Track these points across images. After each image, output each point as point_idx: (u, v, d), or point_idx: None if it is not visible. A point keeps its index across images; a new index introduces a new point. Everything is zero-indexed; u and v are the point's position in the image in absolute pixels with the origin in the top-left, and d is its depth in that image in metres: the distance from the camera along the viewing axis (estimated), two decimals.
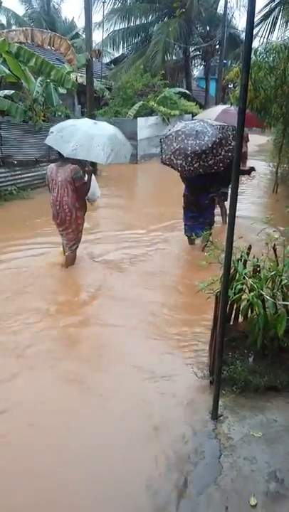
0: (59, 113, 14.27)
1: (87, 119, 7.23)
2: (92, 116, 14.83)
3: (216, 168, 6.56)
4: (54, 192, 6.09)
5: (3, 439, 3.39)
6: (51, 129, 6.10)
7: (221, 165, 6.55)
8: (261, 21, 13.33)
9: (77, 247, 6.59)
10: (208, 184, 6.96)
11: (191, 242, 7.55)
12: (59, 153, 5.93)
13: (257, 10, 10.20)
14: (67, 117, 14.34)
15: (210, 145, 6.42)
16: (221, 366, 3.43)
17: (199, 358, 4.32)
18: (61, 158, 5.95)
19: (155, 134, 18.50)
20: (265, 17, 13.35)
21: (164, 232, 8.52)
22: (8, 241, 7.85)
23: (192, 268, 6.49)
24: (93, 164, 8.14)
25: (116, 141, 5.98)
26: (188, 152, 6.45)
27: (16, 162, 11.72)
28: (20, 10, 29.24)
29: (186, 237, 7.56)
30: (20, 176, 11.85)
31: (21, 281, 6.22)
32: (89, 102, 15.09)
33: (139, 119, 17.92)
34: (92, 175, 6.32)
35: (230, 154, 6.48)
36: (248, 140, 12.72)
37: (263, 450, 3.22)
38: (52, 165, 6.20)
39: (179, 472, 3.07)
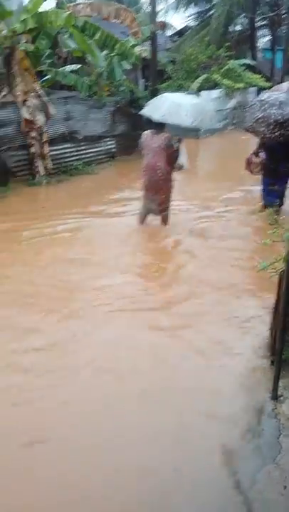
0: (123, 87, 14.28)
1: (176, 93, 8.36)
2: (155, 90, 14.80)
3: None
4: (148, 157, 6.82)
5: None
6: (146, 103, 7.48)
7: None
8: None
9: (168, 207, 7.21)
10: (287, 153, 7.35)
11: (263, 208, 7.85)
12: (155, 124, 6.79)
13: None
14: (131, 92, 14.37)
15: None
16: (282, 347, 3.47)
17: (260, 338, 4.39)
18: (156, 128, 6.77)
19: (218, 108, 18.17)
20: None
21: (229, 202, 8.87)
22: (81, 208, 8.46)
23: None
24: None
25: (200, 109, 7.06)
26: (271, 120, 6.94)
27: (81, 137, 11.94)
28: None
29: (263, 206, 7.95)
30: (85, 151, 12.09)
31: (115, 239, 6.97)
32: (152, 76, 15.02)
33: (202, 92, 17.63)
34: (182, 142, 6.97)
35: None
36: None
37: None
38: (147, 132, 6.92)
39: (237, 449, 3.16)
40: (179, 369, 4.08)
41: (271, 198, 7.68)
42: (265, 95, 7.60)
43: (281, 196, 7.84)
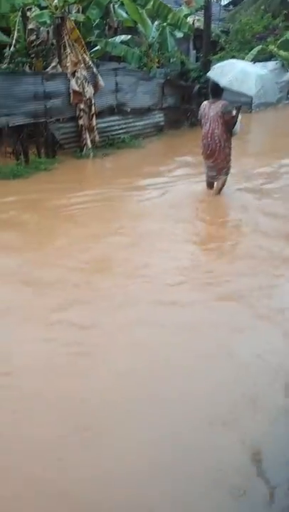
0: (173, 59, 13.93)
1: (246, 61, 8.65)
2: (208, 62, 14.37)
3: None
4: (206, 126, 6.93)
5: None
6: (213, 66, 7.76)
7: None
8: None
9: (228, 173, 7.26)
10: None
11: None
12: (212, 92, 6.90)
13: None
14: (182, 63, 14.01)
15: None
16: None
17: None
18: (214, 97, 6.84)
19: (274, 81, 17.46)
20: None
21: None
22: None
23: None
24: None
25: (266, 81, 7.35)
26: None
27: (129, 110, 11.77)
28: None
29: None
30: (132, 124, 11.93)
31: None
32: (205, 47, 14.59)
33: (256, 64, 16.97)
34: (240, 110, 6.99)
35: None
36: None
37: None
38: (205, 102, 7.05)
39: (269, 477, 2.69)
40: None
41: None
42: None
43: None
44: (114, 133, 11.37)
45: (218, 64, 7.60)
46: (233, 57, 17.74)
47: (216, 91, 6.85)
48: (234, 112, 6.84)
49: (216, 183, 7.31)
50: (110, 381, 3.34)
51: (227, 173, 7.26)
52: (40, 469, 2.62)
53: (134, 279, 4.88)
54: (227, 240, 6.04)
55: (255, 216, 6.62)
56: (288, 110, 17.10)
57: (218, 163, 7.12)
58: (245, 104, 7.43)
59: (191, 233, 6.18)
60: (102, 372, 3.44)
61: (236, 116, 6.86)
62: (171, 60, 13.93)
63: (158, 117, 12.87)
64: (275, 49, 18.00)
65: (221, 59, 17.30)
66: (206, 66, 14.33)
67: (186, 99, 13.86)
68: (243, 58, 17.38)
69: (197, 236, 6.13)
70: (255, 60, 17.20)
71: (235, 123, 6.90)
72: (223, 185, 7.28)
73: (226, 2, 26.35)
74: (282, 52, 18.01)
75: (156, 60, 13.37)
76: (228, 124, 6.84)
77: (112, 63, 12.37)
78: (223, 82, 6.93)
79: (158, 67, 13.18)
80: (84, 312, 4.25)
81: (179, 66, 13.97)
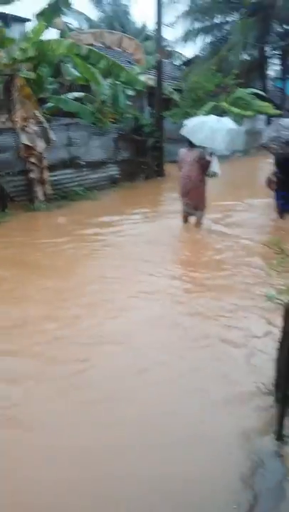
0: (127, 115, 14.22)
1: (213, 116, 9.29)
2: (160, 118, 14.74)
3: None
4: (184, 169, 8.11)
5: None
6: (185, 122, 8.51)
7: None
8: None
9: (204, 209, 8.35)
10: None
11: (282, 216, 8.95)
12: (189, 143, 8.08)
13: None
14: (136, 119, 14.29)
15: None
16: (287, 382, 3.10)
17: (264, 372, 3.95)
18: (191, 146, 8.06)
19: (242, 132, 17.97)
20: None
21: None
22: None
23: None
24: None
25: (233, 133, 8.17)
26: (283, 140, 8.22)
27: (83, 163, 11.79)
28: (93, 14, 29.79)
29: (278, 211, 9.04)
30: (86, 177, 11.95)
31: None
32: (157, 104, 15.00)
33: (226, 118, 17.50)
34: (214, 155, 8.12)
35: None
36: None
37: None
38: (183, 149, 8.25)
39: (236, 495, 2.76)
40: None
41: (284, 207, 8.83)
42: (281, 120, 8.97)
43: None
44: (67, 185, 11.35)
45: (189, 122, 8.49)
46: (187, 113, 18.34)
47: (192, 143, 8.05)
48: (208, 158, 7.98)
49: (193, 218, 8.41)
50: None
51: (203, 209, 8.33)
52: None
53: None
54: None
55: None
56: (255, 156, 18.40)
57: (194, 200, 8.21)
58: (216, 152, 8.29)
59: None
60: None
61: (210, 162, 7.97)
62: (125, 116, 14.22)
63: (112, 170, 12.97)
64: (227, 106, 18.69)
65: (175, 115, 17.86)
66: (159, 121, 14.70)
67: (140, 152, 14.05)
68: (196, 114, 18.00)
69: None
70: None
71: (209, 166, 7.99)
72: (201, 219, 8.38)
73: (179, 62, 27.56)
74: (234, 109, 18.70)
75: (110, 116, 13.60)
76: (204, 168, 7.98)
77: (65, 119, 12.48)
78: (195, 140, 7.98)
79: (112, 123, 13.39)
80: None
81: (132, 121, 14.24)
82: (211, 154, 8.07)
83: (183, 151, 8.24)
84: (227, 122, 8.53)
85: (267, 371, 3.90)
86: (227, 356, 4.35)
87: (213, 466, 3.03)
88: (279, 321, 3.58)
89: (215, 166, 8.11)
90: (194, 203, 8.25)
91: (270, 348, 4.12)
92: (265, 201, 10.16)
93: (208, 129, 7.98)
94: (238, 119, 18.62)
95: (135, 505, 2.74)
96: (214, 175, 8.18)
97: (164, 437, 3.27)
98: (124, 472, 2.94)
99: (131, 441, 3.22)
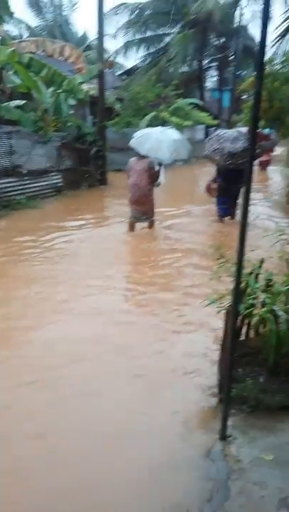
0: (70, 123, 14.22)
1: (159, 127, 9.71)
2: (103, 127, 14.86)
3: (242, 166, 8.60)
4: (133, 177, 8.51)
5: None
6: (134, 134, 8.95)
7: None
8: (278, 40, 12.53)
9: (153, 216, 8.90)
10: (237, 178, 8.87)
11: (221, 220, 9.83)
12: (138, 154, 8.49)
13: (276, 24, 9.92)
14: (78, 127, 14.33)
15: (240, 149, 8.87)
16: (230, 384, 3.25)
17: (208, 375, 4.14)
18: (140, 157, 8.46)
19: (185, 142, 18.33)
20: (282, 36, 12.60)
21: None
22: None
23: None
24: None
25: (178, 144, 8.71)
26: (225, 152, 8.96)
27: (25, 171, 11.68)
28: (33, 22, 29.53)
29: (218, 216, 9.90)
30: (29, 186, 11.81)
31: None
32: (100, 113, 15.09)
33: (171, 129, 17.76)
34: (162, 166, 8.73)
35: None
36: (272, 151, 18.01)
37: (274, 474, 3.00)
38: (133, 158, 8.64)
39: (183, 496, 2.90)
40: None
41: (225, 212, 9.72)
42: (221, 132, 9.64)
43: (233, 210, 9.75)
44: (9, 194, 11.16)
45: (137, 134, 8.99)
46: (129, 122, 18.60)
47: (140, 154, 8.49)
48: (157, 168, 8.55)
49: (140, 224, 8.89)
50: None
51: (152, 215, 8.88)
52: None
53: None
54: None
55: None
56: (194, 165, 18.89)
57: (143, 207, 8.68)
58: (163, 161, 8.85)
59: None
60: None
61: (159, 171, 8.58)
62: (68, 125, 14.22)
63: (56, 179, 12.90)
64: (167, 116, 19.10)
65: (117, 124, 18.08)
66: (102, 130, 14.82)
67: (83, 161, 14.09)
68: (138, 124, 18.28)
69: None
70: (150, 126, 18.06)
71: (158, 176, 8.59)
72: (152, 223, 8.95)
73: (120, 72, 27.83)
74: (174, 119, 19.14)
75: (53, 124, 13.57)
76: (153, 177, 8.50)
77: (8, 127, 12.33)
78: (142, 151, 8.45)
79: (55, 131, 13.35)
80: None
81: (75, 130, 14.26)
82: (159, 165, 8.62)
83: (132, 160, 8.62)
84: (172, 133, 9.05)
85: (210, 373, 4.11)
86: (166, 358, 4.55)
87: (160, 467, 3.16)
88: (220, 324, 3.79)
89: (161, 176, 8.72)
90: (143, 209, 8.71)
91: (212, 350, 4.35)
92: (204, 208, 10.91)
93: (154, 140, 8.50)
94: (178, 128, 19.11)
95: None
96: (159, 184, 8.77)
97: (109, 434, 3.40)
98: None
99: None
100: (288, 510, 2.76)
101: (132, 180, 8.57)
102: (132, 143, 8.67)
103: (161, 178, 8.77)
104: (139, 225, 8.96)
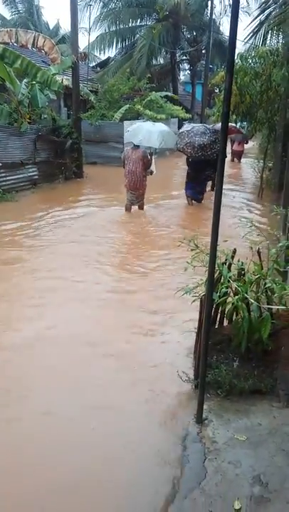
0: (45, 115, 14.12)
1: (149, 121, 11.49)
2: (78, 119, 14.80)
3: (211, 157, 10.23)
4: (129, 165, 9.69)
5: None
6: (127, 129, 10.79)
7: (215, 156, 10.13)
8: (251, 36, 12.60)
9: (143, 199, 10.21)
10: (204, 167, 10.69)
11: (190, 203, 11.29)
12: (133, 145, 9.79)
13: (247, 23, 10.24)
14: (54, 120, 14.25)
15: (209, 142, 10.28)
16: (205, 369, 3.41)
17: (184, 361, 4.29)
18: (134, 147, 9.76)
19: (172, 133, 18.39)
20: (255, 33, 12.74)
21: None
22: None
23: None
24: None
25: (166, 134, 10.20)
26: (196, 145, 10.27)
27: (0, 164, 11.59)
28: (5, 13, 29.15)
29: (187, 200, 11.39)
30: (4, 179, 11.72)
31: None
32: (75, 105, 15.01)
33: (125, 122, 17.83)
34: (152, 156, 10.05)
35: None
36: (246, 142, 19.70)
37: (248, 454, 3.19)
38: (128, 148, 10.02)
39: (162, 476, 3.04)
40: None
41: (194, 195, 11.17)
42: (189, 126, 11.12)
43: (201, 194, 11.24)
44: None
45: (130, 127, 10.54)
46: (103, 114, 18.54)
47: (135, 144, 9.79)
48: (149, 157, 9.77)
49: (136, 205, 10.12)
50: None
51: (143, 199, 10.15)
52: None
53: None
54: None
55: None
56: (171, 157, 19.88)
57: (138, 192, 9.94)
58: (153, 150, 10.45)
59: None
60: None
61: (151, 160, 9.83)
62: (43, 117, 14.12)
63: (31, 171, 12.83)
64: (141, 108, 19.12)
65: (92, 116, 18.00)
66: (77, 123, 14.75)
67: (59, 154, 14.04)
68: (112, 116, 18.27)
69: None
70: (124, 118, 18.15)
71: (150, 164, 9.82)
72: (143, 204, 10.24)
73: (94, 64, 27.65)
74: (148, 112, 19.17)
75: (28, 116, 13.46)
76: (146, 165, 9.75)
77: None
78: (135, 141, 9.81)
79: (30, 123, 13.26)
80: None
81: (50, 122, 14.17)
82: (151, 154, 9.91)
83: (127, 150, 9.90)
84: (160, 126, 10.61)
85: (186, 360, 4.27)
86: (145, 346, 4.72)
87: (139, 450, 3.30)
88: (195, 313, 3.94)
89: (153, 166, 10.02)
90: (137, 193, 9.97)
91: (188, 338, 4.50)
92: (179, 193, 12.21)
93: (146, 131, 9.92)
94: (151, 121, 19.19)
95: None
96: (152, 172, 10.08)
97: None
98: None
99: None
100: (261, 486, 2.92)
101: (128, 167, 9.72)
102: (126, 135, 10.18)
103: (153, 168, 10.03)
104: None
